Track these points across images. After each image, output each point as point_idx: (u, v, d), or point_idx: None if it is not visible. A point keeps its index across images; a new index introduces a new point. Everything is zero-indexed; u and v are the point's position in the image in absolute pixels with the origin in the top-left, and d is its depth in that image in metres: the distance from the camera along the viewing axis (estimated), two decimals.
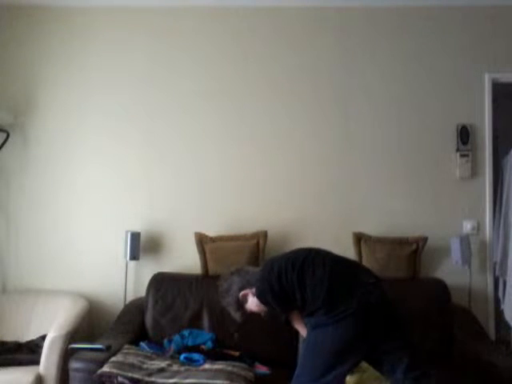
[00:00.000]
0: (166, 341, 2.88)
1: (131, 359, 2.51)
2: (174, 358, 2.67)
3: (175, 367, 2.52)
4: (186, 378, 2.38)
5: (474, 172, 3.41)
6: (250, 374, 2.51)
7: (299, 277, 2.12)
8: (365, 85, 3.47)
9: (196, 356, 2.65)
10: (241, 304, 2.35)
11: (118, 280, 3.34)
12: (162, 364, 2.53)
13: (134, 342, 2.80)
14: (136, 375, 2.37)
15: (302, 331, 2.33)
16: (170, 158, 3.47)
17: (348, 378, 2.22)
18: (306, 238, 3.27)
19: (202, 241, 3.22)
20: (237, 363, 2.58)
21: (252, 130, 3.47)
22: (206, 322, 2.99)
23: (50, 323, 2.92)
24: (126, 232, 3.27)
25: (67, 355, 2.64)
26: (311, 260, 2.17)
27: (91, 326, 3.23)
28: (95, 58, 3.51)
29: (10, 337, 3.05)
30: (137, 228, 3.36)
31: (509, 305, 3.19)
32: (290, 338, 2.88)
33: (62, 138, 3.48)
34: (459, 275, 3.29)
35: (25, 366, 2.77)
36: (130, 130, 3.48)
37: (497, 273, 3.34)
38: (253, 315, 2.40)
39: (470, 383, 2.53)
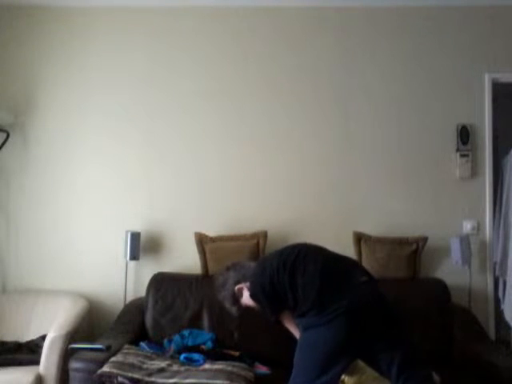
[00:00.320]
0: (166, 341, 2.88)
1: (131, 359, 2.51)
2: (174, 358, 2.67)
3: (175, 367, 2.52)
4: (186, 378, 2.38)
5: (474, 172, 3.41)
6: (250, 374, 2.51)
7: (291, 277, 2.13)
8: (365, 85, 3.47)
9: (196, 356, 2.65)
10: (236, 298, 2.38)
11: (118, 280, 3.34)
12: (162, 364, 2.53)
13: (134, 342, 2.80)
14: (136, 375, 2.37)
15: (294, 331, 2.32)
16: (169, 158, 3.47)
17: (347, 380, 2.21)
18: (306, 237, 3.20)
19: (201, 241, 3.22)
20: (237, 363, 2.58)
21: (252, 130, 3.47)
22: (205, 321, 2.99)
23: (50, 323, 2.91)
24: (126, 232, 3.27)
25: (67, 355, 2.64)
26: (303, 257, 2.17)
27: (91, 326, 3.23)
28: (95, 58, 3.52)
29: (9, 337, 3.05)
30: (137, 228, 3.36)
31: (509, 305, 3.19)
32: (290, 337, 2.87)
33: (62, 138, 3.48)
34: (459, 275, 3.30)
35: (25, 366, 2.77)
36: (130, 130, 3.48)
37: (497, 273, 3.34)
38: (248, 309, 2.41)
39: (469, 383, 2.53)
